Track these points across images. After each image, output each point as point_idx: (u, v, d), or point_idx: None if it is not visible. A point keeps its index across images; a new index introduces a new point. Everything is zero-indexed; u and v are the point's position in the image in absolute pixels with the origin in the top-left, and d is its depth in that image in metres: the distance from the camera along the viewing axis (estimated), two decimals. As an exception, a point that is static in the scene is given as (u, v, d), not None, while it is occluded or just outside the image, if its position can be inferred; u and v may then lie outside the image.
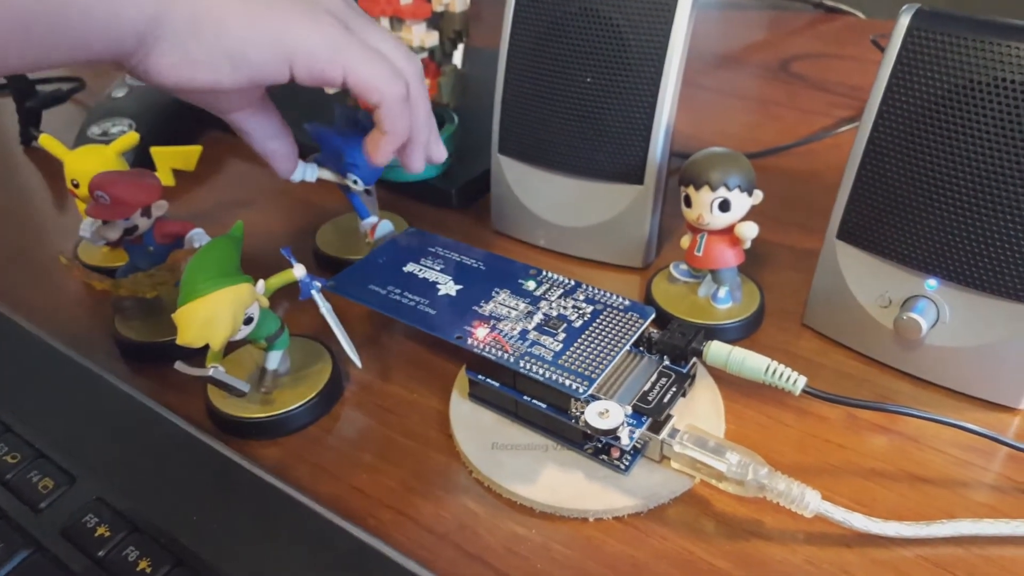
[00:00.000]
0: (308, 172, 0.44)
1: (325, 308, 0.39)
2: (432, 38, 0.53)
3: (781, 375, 0.36)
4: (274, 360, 0.39)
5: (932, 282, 0.39)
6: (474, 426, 0.38)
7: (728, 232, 0.43)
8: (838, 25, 0.91)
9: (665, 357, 0.39)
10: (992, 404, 0.39)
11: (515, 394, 0.37)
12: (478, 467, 0.36)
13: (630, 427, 0.35)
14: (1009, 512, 0.34)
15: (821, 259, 0.43)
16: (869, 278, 0.41)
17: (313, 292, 0.38)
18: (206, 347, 0.34)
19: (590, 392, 0.34)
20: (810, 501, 0.32)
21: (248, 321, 0.35)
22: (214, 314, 0.33)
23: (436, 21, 0.54)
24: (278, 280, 0.37)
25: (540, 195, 0.51)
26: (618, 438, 0.34)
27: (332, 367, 0.41)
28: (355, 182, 0.45)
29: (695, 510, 0.35)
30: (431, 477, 0.37)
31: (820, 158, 0.62)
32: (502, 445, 0.37)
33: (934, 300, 0.39)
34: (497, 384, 0.38)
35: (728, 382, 0.40)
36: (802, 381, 0.36)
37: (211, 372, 0.35)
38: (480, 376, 0.38)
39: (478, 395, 0.39)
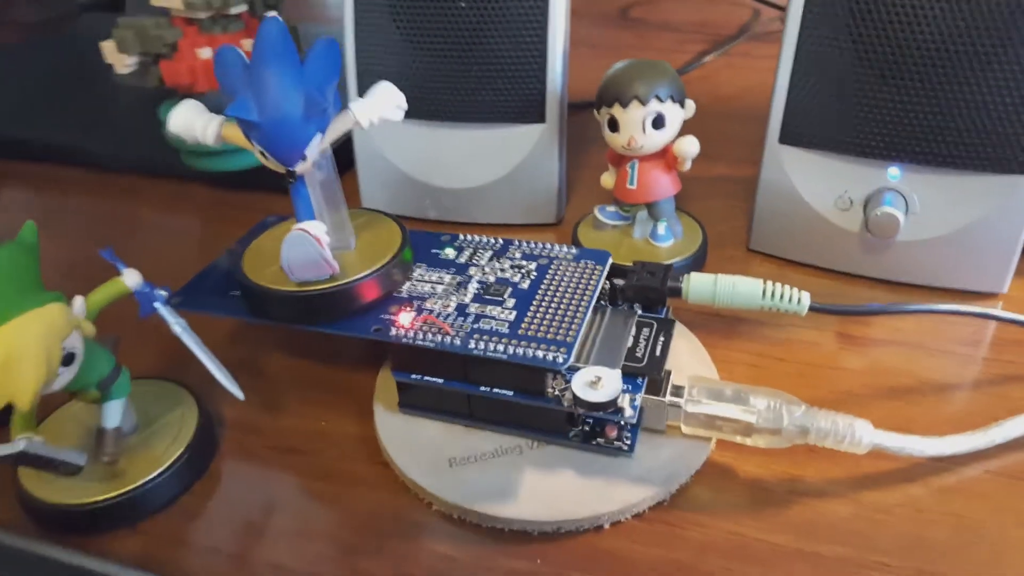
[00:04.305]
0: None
1: (179, 326, 0.27)
2: (249, -16, 0.42)
3: (782, 295, 0.30)
4: (114, 414, 0.27)
5: (894, 170, 0.34)
6: (416, 444, 0.29)
7: (662, 156, 0.36)
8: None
9: (635, 306, 0.31)
10: (976, 294, 0.36)
11: (467, 387, 0.28)
12: (438, 495, 0.27)
13: (629, 394, 0.27)
14: (1046, 400, 0.30)
15: (763, 171, 0.37)
16: (823, 180, 0.36)
17: (158, 306, 0.27)
18: (7, 409, 0.22)
19: (571, 360, 0.26)
20: (862, 434, 0.26)
21: (69, 360, 0.23)
22: (15, 352, 0.21)
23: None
24: (103, 295, 0.26)
25: (421, 156, 0.42)
26: (619, 410, 0.26)
27: (198, 412, 0.29)
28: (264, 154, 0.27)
29: (722, 482, 0.28)
30: (377, 526, 0.27)
31: (697, 89, 0.58)
32: (462, 460, 0.28)
33: (899, 191, 0.35)
34: (441, 380, 0.28)
35: (700, 325, 0.34)
36: (806, 297, 0.30)
37: (22, 446, 0.23)
38: (414, 376, 0.29)
39: (413, 403, 0.30)
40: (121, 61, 0.44)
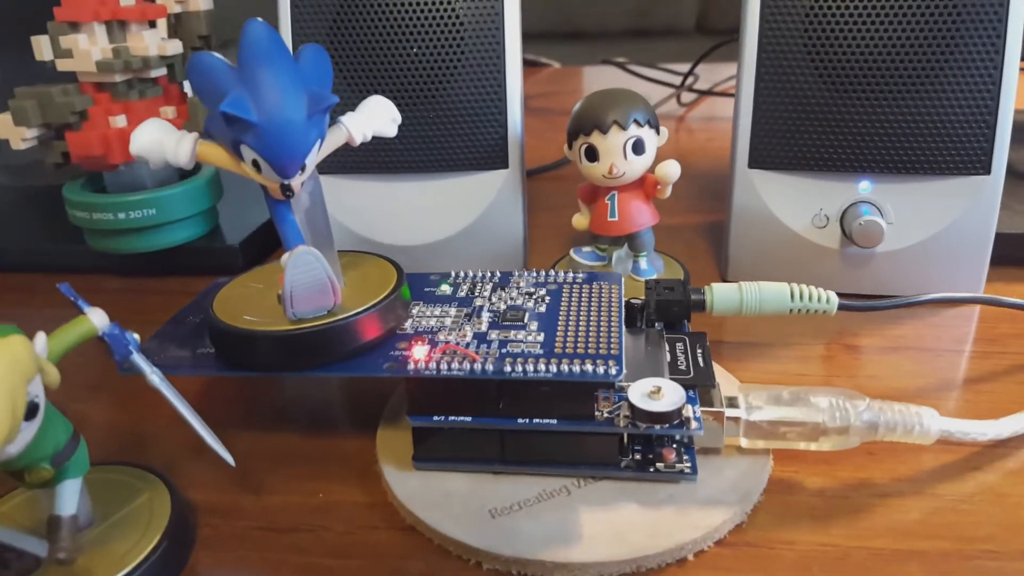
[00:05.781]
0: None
1: (157, 376, 0.22)
2: (174, 46, 0.39)
3: (811, 295, 0.28)
4: (70, 498, 0.21)
5: (865, 184, 0.35)
6: (445, 500, 0.24)
7: (640, 185, 0.35)
8: (545, 74, 0.93)
9: (656, 324, 0.29)
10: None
11: (501, 422, 0.24)
12: (490, 550, 0.22)
13: (692, 405, 0.24)
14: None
15: (735, 198, 0.37)
16: (797, 200, 0.36)
17: (134, 353, 0.22)
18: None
19: (624, 371, 0.23)
20: (930, 422, 0.25)
21: (32, 411, 0.18)
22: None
23: (171, 26, 0.41)
24: (68, 336, 0.20)
25: (374, 214, 0.39)
26: (684, 422, 0.23)
27: (169, 495, 0.24)
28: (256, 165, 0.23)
29: (790, 496, 0.25)
30: (419, 597, 0.22)
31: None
32: (503, 510, 0.24)
33: (872, 202, 0.35)
34: (469, 418, 0.24)
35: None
36: (834, 296, 0.29)
37: None
38: (436, 418, 0.25)
39: (430, 454, 0.25)
40: (19, 135, 0.38)
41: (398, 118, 0.26)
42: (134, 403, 0.31)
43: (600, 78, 0.91)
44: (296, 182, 0.23)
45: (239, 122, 0.21)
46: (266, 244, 0.44)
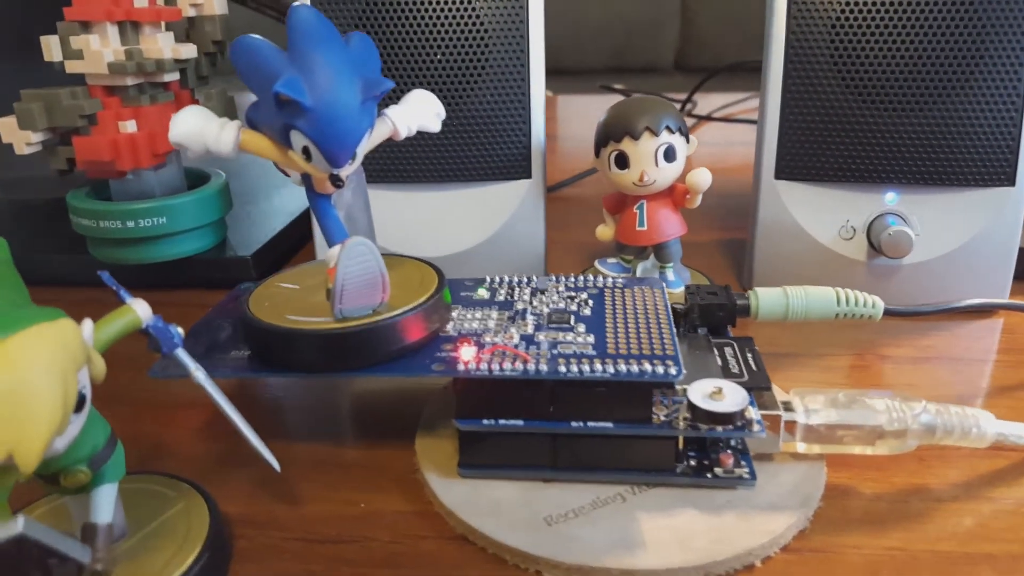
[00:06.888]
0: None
1: (202, 374, 0.21)
2: (189, 50, 0.38)
3: (857, 300, 0.28)
4: (107, 504, 0.19)
5: (891, 195, 0.35)
6: (497, 508, 0.23)
7: (668, 194, 0.35)
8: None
9: (700, 330, 0.28)
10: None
11: (555, 426, 0.23)
12: (552, 557, 0.21)
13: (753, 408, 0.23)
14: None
15: (760, 209, 0.37)
16: (824, 211, 0.36)
17: (180, 347, 0.20)
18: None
19: (683, 371, 0.23)
20: (987, 425, 0.24)
21: (80, 403, 0.16)
22: (22, 380, 0.14)
23: (184, 30, 0.40)
24: (114, 326, 0.19)
25: (393, 225, 0.38)
26: (747, 423, 0.23)
27: (207, 506, 0.22)
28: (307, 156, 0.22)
29: (848, 502, 0.24)
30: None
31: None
32: (559, 517, 0.23)
33: (899, 214, 0.35)
34: (521, 421, 0.24)
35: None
36: (879, 300, 0.28)
37: (21, 526, 0.16)
38: (486, 421, 0.24)
39: (477, 460, 0.24)
40: (23, 140, 0.37)
41: (442, 113, 0.26)
42: (153, 413, 0.30)
43: (602, 106, 0.91)
44: (344, 173, 0.23)
45: (292, 105, 0.21)
46: (277, 257, 0.43)
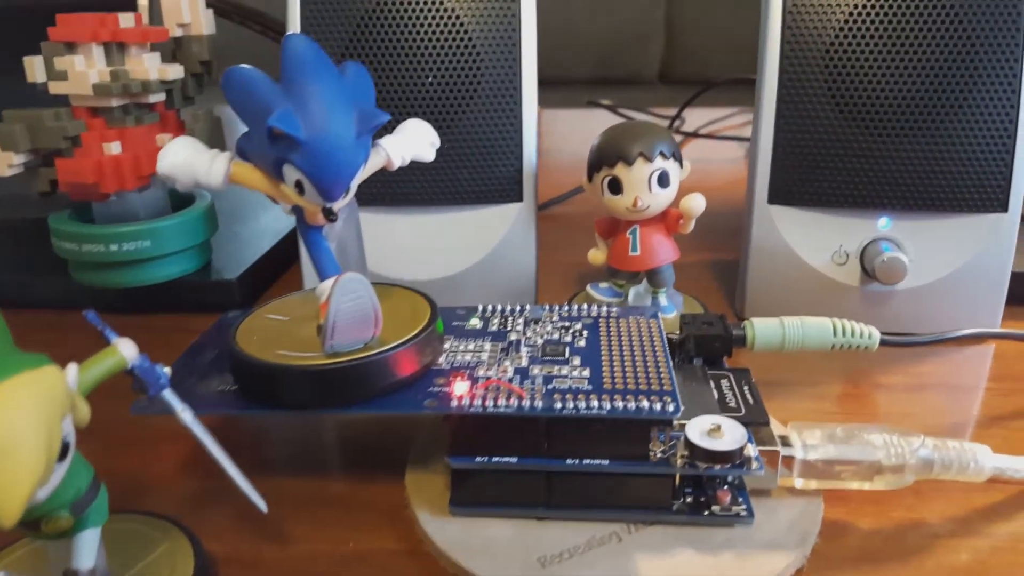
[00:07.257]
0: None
1: (189, 415, 0.20)
2: (176, 70, 0.37)
3: (853, 331, 0.28)
4: (90, 549, 0.19)
5: (883, 221, 0.35)
6: (490, 547, 0.23)
7: (662, 219, 0.35)
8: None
9: (695, 361, 0.28)
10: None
11: (549, 463, 0.23)
12: (546, 601, 0.21)
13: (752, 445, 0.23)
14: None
15: (754, 234, 0.37)
16: (817, 236, 0.36)
17: (167, 388, 0.20)
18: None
19: (681, 408, 0.22)
20: (984, 459, 0.24)
21: (63, 452, 0.16)
22: (6, 431, 0.14)
23: (170, 51, 0.39)
24: (99, 368, 0.18)
25: (381, 249, 0.37)
26: (745, 461, 0.22)
27: (191, 546, 0.22)
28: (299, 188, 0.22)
29: (845, 538, 0.24)
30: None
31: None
32: (553, 557, 0.22)
33: (892, 239, 0.35)
34: (514, 459, 0.23)
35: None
36: (875, 331, 0.28)
37: None
38: (479, 459, 0.23)
39: (469, 498, 0.24)
40: (5, 161, 0.36)
41: (437, 142, 0.25)
42: (133, 449, 0.29)
43: (589, 122, 0.91)
44: (338, 206, 0.22)
45: (286, 139, 0.20)
46: (263, 279, 0.43)
